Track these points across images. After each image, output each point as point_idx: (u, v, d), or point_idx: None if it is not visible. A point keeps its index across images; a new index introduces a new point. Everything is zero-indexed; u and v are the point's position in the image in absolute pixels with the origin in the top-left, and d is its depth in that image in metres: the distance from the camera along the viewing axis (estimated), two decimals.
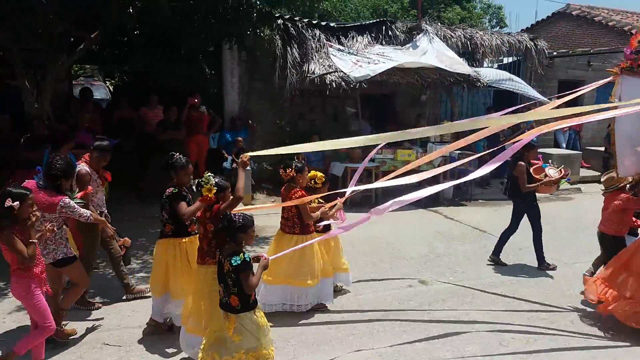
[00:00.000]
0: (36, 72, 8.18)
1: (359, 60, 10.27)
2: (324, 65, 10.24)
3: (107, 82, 19.26)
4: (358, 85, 9.71)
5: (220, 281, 3.72)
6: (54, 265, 4.36)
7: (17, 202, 3.62)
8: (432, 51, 11.06)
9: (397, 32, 11.83)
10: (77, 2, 6.13)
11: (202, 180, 4.01)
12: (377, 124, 11.84)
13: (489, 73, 11.54)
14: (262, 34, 7.52)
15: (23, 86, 7.40)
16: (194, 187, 4.42)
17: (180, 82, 7.44)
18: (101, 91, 16.59)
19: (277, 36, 9.36)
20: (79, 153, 5.61)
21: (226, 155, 9.86)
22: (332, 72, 9.97)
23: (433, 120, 12.57)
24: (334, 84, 9.79)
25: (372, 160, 10.19)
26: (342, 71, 9.89)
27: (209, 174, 4.04)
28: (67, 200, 4.26)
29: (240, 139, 9.86)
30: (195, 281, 4.22)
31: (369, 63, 10.15)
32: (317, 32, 10.89)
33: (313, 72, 10.11)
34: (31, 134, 7.07)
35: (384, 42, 11.56)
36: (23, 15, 5.60)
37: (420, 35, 11.63)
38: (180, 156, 4.52)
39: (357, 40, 11.20)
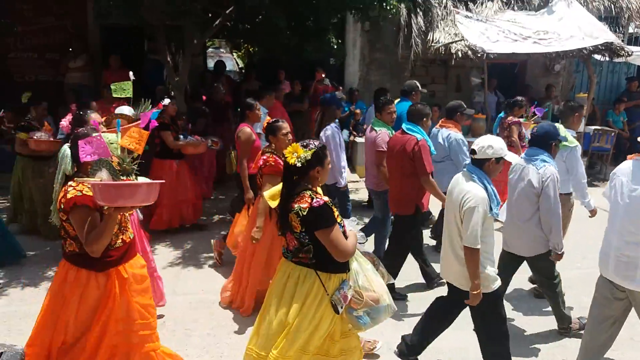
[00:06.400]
0: (175, 47, 8.80)
1: (487, 29, 9.73)
2: (449, 34, 9.86)
3: (234, 53, 20.21)
4: (485, 54, 9.20)
5: None
6: None
7: None
8: (569, 17, 10.14)
9: None
10: None
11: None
12: (504, 95, 11.23)
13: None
14: (387, 5, 7.41)
15: (165, 60, 8.01)
16: None
17: (308, 56, 7.64)
18: (229, 63, 17.43)
19: (403, 5, 9.17)
20: None
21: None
22: (458, 40, 9.57)
23: (566, 92, 11.68)
24: (459, 53, 9.39)
25: None
26: (467, 40, 9.43)
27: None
28: None
29: (358, 111, 9.87)
30: None
31: (498, 33, 9.57)
32: None
33: (438, 41, 9.78)
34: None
35: (515, 8, 10.79)
36: None
37: None
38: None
39: (486, 5, 10.57)
